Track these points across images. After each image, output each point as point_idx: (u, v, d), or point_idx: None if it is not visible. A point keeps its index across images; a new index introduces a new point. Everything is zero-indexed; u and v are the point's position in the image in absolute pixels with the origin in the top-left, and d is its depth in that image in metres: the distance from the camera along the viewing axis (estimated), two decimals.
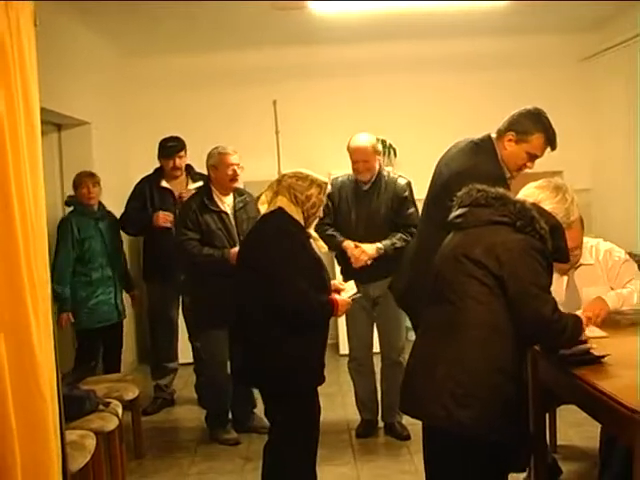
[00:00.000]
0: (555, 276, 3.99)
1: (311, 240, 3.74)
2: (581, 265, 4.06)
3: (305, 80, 7.62)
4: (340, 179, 5.10)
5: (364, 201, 4.98)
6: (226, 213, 5.11)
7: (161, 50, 7.33)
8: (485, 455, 2.83)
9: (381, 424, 5.25)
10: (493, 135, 3.93)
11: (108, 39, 6.79)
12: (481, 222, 2.94)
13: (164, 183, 5.90)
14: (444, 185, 3.86)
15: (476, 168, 3.75)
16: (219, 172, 5.10)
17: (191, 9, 5.87)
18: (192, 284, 5.21)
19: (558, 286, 4.00)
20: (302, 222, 3.66)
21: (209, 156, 5.15)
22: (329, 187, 3.85)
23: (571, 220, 3.09)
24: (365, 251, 4.86)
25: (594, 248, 4.10)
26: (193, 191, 5.53)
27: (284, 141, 7.64)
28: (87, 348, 5.57)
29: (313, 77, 7.63)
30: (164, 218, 5.74)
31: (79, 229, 5.46)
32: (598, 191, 7.79)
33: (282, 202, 3.65)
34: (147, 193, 5.89)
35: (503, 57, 7.63)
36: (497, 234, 2.88)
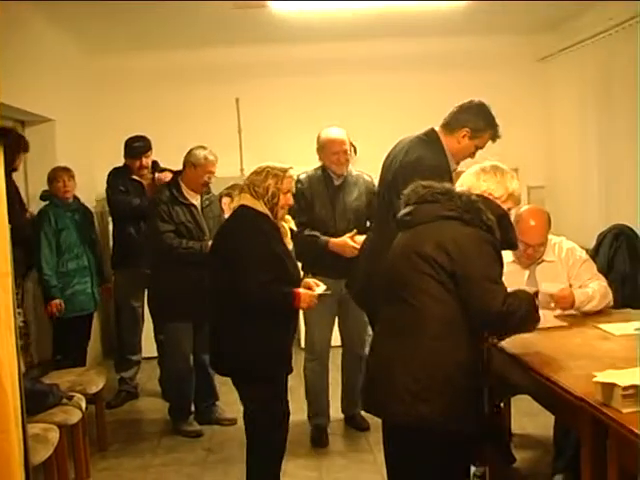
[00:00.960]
0: (516, 269, 4.10)
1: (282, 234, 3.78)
2: (543, 261, 4.11)
3: (267, 78, 7.59)
4: (307, 174, 4.98)
5: (338, 196, 4.91)
6: (195, 206, 5.14)
7: (125, 48, 7.27)
8: (446, 448, 2.86)
9: (341, 416, 5.26)
10: (436, 128, 4.01)
11: (72, 36, 6.72)
12: (429, 218, 2.94)
13: (135, 176, 5.92)
14: (392, 181, 3.94)
15: (422, 161, 3.84)
16: (196, 173, 5.10)
17: (153, 8, 5.84)
18: (157, 276, 5.20)
19: (518, 280, 4.03)
20: (269, 214, 3.70)
21: (192, 154, 5.12)
22: (291, 173, 3.82)
23: (511, 191, 3.11)
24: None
25: (557, 246, 4.14)
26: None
27: (247, 139, 7.64)
28: (64, 338, 5.55)
29: (275, 76, 7.60)
30: (165, 175, 5.75)
31: (56, 221, 5.47)
32: (552, 188, 7.88)
33: (244, 199, 3.72)
34: (123, 182, 5.90)
35: (462, 57, 7.65)
36: (446, 229, 2.89)
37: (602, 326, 3.67)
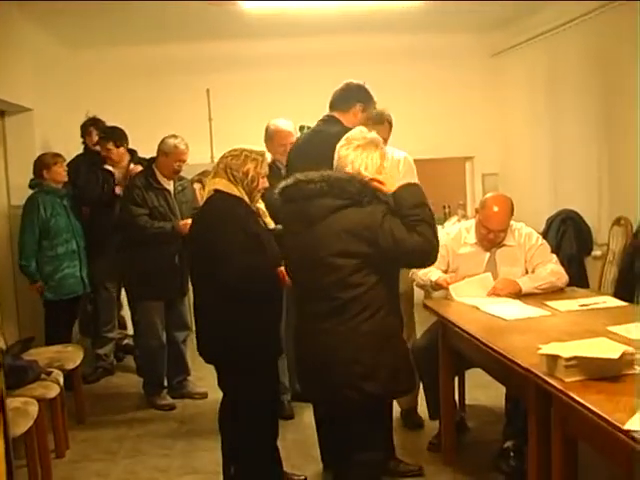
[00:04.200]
0: (478, 251, 4.15)
1: (260, 215, 3.62)
2: (504, 246, 4.14)
3: (237, 71, 7.56)
4: None
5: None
6: (168, 191, 5.13)
7: (101, 42, 7.19)
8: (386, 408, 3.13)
9: None
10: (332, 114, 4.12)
11: (50, 30, 6.59)
12: (325, 213, 2.90)
13: (108, 165, 5.82)
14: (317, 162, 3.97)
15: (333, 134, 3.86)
16: (168, 160, 5.08)
17: (128, 4, 5.78)
18: (131, 258, 5.17)
19: (479, 261, 4.12)
20: (245, 198, 3.47)
21: (164, 143, 5.10)
22: (267, 156, 3.70)
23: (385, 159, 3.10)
24: None
25: (517, 231, 4.16)
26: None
27: (217, 127, 7.61)
28: (55, 320, 5.53)
29: (244, 68, 7.56)
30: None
31: (45, 207, 5.41)
32: (505, 175, 7.98)
33: (220, 184, 3.46)
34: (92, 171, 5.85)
35: (422, 52, 7.69)
36: (349, 218, 2.88)
37: (549, 303, 3.73)
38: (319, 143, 4.09)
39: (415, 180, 4.66)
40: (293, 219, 3.04)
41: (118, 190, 5.68)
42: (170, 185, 5.18)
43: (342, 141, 3.11)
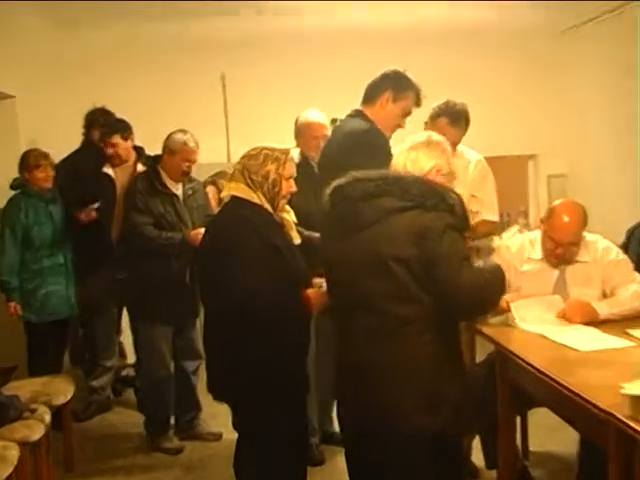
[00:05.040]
0: (544, 267, 4.08)
1: (284, 227, 3.62)
2: (576, 262, 4.03)
3: (259, 52, 7.44)
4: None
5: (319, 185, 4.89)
6: (176, 196, 5.15)
7: (96, 20, 7.09)
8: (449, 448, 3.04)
9: None
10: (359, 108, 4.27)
11: (36, 7, 6.64)
12: (382, 215, 2.96)
13: (106, 168, 5.73)
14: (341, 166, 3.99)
15: (356, 133, 4.07)
16: (174, 160, 5.10)
17: None
18: (134, 272, 5.18)
19: (545, 281, 4.05)
20: (266, 205, 3.49)
21: (170, 139, 5.13)
22: (293, 156, 3.73)
23: (454, 167, 3.23)
24: None
25: (592, 245, 4.06)
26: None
27: (235, 120, 7.59)
28: (40, 347, 5.47)
29: (268, 49, 7.45)
30: (88, 214, 5.59)
31: (27, 212, 5.38)
32: (575, 177, 7.85)
33: (237, 189, 3.49)
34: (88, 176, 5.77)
35: (471, 34, 7.57)
36: (410, 221, 2.92)
37: (632, 332, 3.64)
38: (329, 144, 4.20)
39: (489, 187, 4.64)
40: (342, 222, 3.08)
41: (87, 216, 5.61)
42: (178, 189, 5.18)
43: (407, 142, 3.22)
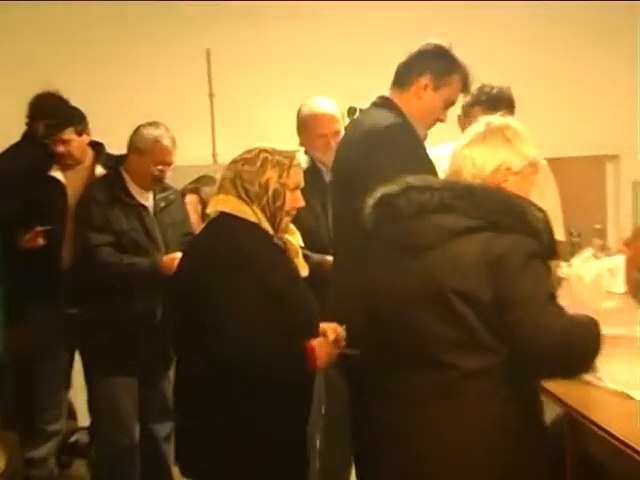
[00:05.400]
0: (629, 305, 4.07)
1: (288, 252, 3.58)
2: None
3: (252, 21, 7.51)
4: None
5: (330, 199, 4.75)
6: (145, 208, 5.16)
7: None
8: None
9: None
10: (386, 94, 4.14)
11: None
12: (445, 237, 2.91)
13: (55, 172, 5.54)
14: (348, 184, 3.95)
15: (377, 129, 3.90)
16: (143, 162, 5.09)
17: None
18: (87, 311, 5.16)
19: (632, 322, 3.97)
20: (265, 225, 3.43)
21: (138, 135, 5.13)
22: (301, 160, 3.62)
23: (532, 158, 3.15)
24: None
25: None
26: None
27: (222, 109, 7.62)
28: None
29: (263, 17, 7.52)
30: (31, 240, 5.44)
31: None
32: None
33: (226, 203, 3.44)
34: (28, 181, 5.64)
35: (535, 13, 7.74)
36: (478, 247, 2.86)
37: None
38: (345, 144, 4.21)
39: (550, 197, 4.61)
40: (390, 243, 3.04)
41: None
42: (148, 199, 5.18)
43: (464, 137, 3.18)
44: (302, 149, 3.79)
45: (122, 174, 5.13)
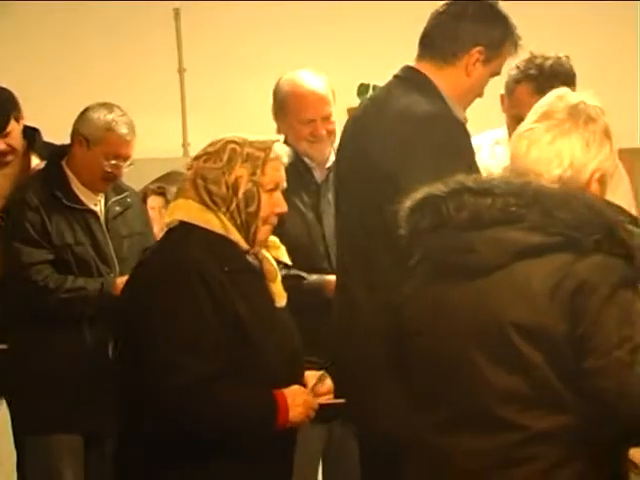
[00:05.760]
0: None
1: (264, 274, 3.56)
2: None
3: None
4: None
5: (324, 202, 4.91)
6: (93, 213, 5.16)
7: None
8: None
9: None
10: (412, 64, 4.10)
11: None
12: (508, 256, 2.77)
13: None
14: (389, 175, 3.88)
15: (437, 130, 3.87)
16: (91, 155, 5.08)
17: None
18: (19, 348, 5.13)
19: None
20: (236, 237, 3.45)
21: (85, 119, 5.13)
22: (280, 153, 3.59)
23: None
24: None
25: None
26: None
27: (194, 87, 7.64)
28: None
29: None
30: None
31: None
32: None
33: (185, 210, 3.49)
34: None
35: None
36: (552, 271, 2.73)
37: None
38: (360, 130, 4.09)
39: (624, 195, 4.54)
40: (435, 261, 2.91)
41: None
42: (97, 202, 5.16)
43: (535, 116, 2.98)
44: (282, 138, 3.69)
45: (64, 170, 5.10)
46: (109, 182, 5.11)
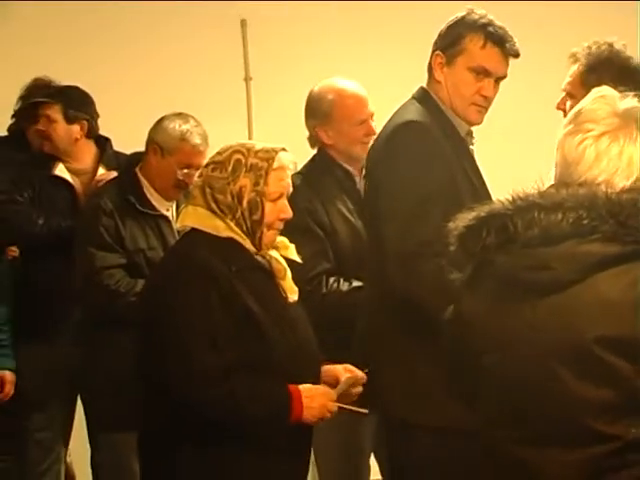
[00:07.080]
0: None
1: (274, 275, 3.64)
2: None
3: None
4: (311, 174, 5.01)
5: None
6: (165, 218, 5.25)
7: None
8: None
9: None
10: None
11: None
12: (585, 270, 2.68)
13: (60, 170, 5.72)
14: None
15: (401, 138, 4.09)
16: (165, 164, 5.18)
17: None
18: (94, 351, 5.24)
19: None
20: (242, 240, 3.55)
21: (160, 129, 5.21)
22: (285, 158, 3.65)
23: None
24: None
25: None
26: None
27: (259, 93, 7.73)
28: None
29: None
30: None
31: None
32: None
33: (195, 216, 3.59)
34: (31, 181, 5.76)
35: None
36: (632, 280, 2.66)
37: None
38: (375, 143, 4.33)
39: None
40: (506, 279, 2.83)
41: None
42: (170, 208, 5.28)
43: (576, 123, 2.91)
44: (283, 146, 3.67)
45: (138, 176, 5.18)
46: (181, 190, 5.17)
